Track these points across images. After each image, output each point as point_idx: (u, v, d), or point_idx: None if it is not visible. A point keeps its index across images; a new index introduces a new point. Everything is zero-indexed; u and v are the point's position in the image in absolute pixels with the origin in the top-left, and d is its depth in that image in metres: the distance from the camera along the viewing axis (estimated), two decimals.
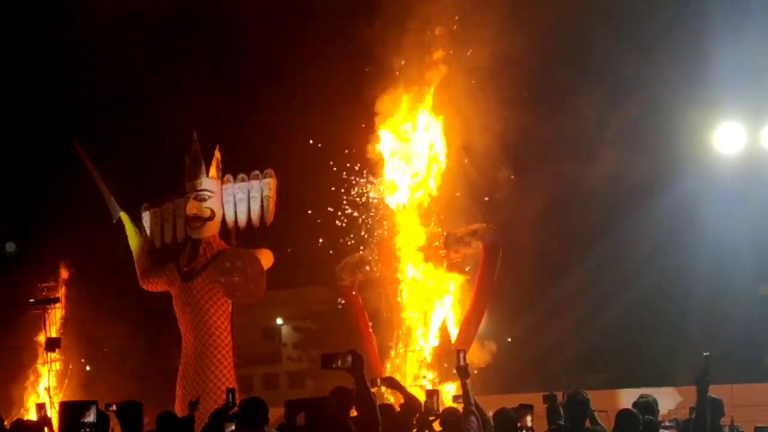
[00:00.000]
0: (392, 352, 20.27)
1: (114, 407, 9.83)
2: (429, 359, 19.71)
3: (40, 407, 14.40)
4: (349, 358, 7.53)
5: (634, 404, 9.90)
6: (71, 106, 30.88)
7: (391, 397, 16.49)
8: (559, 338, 25.21)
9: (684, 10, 26.92)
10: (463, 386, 10.60)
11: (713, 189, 25.47)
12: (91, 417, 6.31)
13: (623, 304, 28.59)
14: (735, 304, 28.78)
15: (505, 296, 21.06)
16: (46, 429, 9.66)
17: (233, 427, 9.45)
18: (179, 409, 20.15)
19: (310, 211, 24.00)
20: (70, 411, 6.39)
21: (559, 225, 25.53)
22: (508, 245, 20.03)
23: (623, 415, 9.27)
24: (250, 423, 8.56)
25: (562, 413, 9.90)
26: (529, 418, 9.03)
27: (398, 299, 20.49)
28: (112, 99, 29.99)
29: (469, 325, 19.76)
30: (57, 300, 24.62)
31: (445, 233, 20.27)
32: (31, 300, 24.75)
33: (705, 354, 9.34)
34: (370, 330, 21.07)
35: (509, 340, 19.76)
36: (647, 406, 9.83)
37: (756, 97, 22.50)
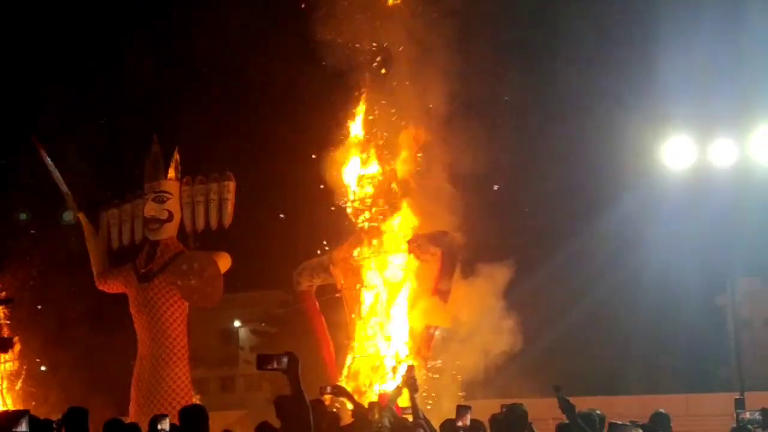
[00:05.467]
0: (348, 358, 20.29)
1: (55, 424, 9.53)
2: (385, 365, 19.73)
3: None
4: (285, 359, 7.43)
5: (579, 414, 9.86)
6: (30, 103, 30.64)
7: (349, 404, 16.47)
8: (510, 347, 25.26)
9: (632, 23, 27.13)
10: (412, 400, 10.66)
11: (661, 203, 25.64)
12: (22, 426, 6.17)
13: (572, 318, 28.76)
14: (684, 316, 29.04)
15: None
16: None
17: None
18: (133, 412, 20.06)
19: (282, 215, 23.88)
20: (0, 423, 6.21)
21: (505, 242, 25.58)
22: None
23: (562, 428, 9.37)
24: None
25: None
26: (468, 417, 9.16)
27: (356, 304, 20.51)
28: (73, 96, 29.75)
29: (428, 329, 19.86)
30: (11, 300, 24.33)
31: (408, 238, 20.34)
32: None
33: (556, 386, 9.41)
34: (327, 335, 21.08)
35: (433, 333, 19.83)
36: (588, 420, 9.77)
37: (704, 111, 22.68)
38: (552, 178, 27.40)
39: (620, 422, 8.97)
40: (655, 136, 22.25)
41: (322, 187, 21.54)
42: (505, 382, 22.77)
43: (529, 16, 26.23)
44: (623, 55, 27.69)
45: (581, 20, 28.36)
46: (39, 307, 26.96)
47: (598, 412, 10.31)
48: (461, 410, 9.57)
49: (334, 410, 11.71)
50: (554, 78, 27.63)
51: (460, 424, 9.39)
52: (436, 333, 20.11)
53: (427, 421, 10.32)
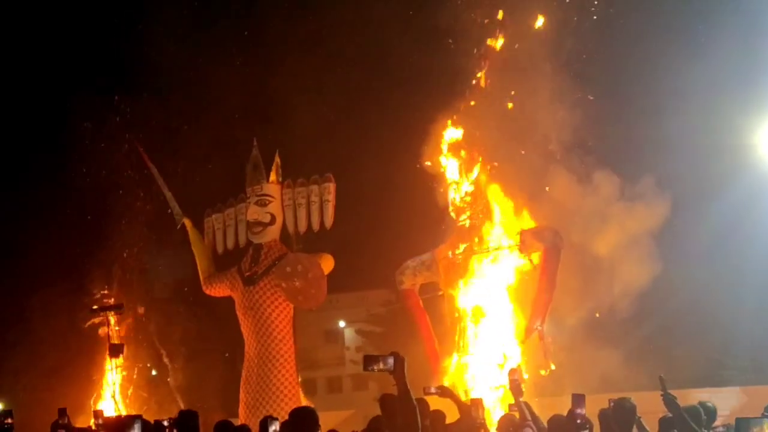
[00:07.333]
0: (453, 356, 20.21)
1: (166, 422, 9.71)
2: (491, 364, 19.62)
3: (97, 414, 14.48)
4: (390, 360, 7.49)
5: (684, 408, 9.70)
6: (135, 113, 31.15)
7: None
8: (611, 339, 24.88)
9: (736, 10, 26.51)
10: (518, 403, 10.59)
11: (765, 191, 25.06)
12: (136, 431, 6.29)
13: (670, 310, 28.31)
14: None
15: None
16: None
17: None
18: (243, 414, 20.31)
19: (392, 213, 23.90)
20: (114, 428, 6.37)
21: None
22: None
23: (665, 422, 9.27)
24: None
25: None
26: (584, 405, 9.14)
27: (460, 302, 20.43)
28: (177, 106, 30.15)
29: (532, 324, 19.71)
30: (120, 307, 24.72)
31: (511, 235, 20.22)
32: (94, 307, 24.89)
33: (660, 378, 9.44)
34: (432, 333, 21.00)
35: (538, 327, 19.58)
36: (694, 413, 9.61)
37: None
38: (651, 168, 26.98)
39: (753, 417, 8.76)
40: (759, 123, 21.80)
41: (421, 184, 21.54)
42: (606, 373, 22.49)
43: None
44: (723, 40, 27.12)
45: (686, 7, 27.96)
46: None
47: (709, 404, 10.14)
48: (577, 398, 9.49)
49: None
50: (654, 67, 27.23)
51: (581, 411, 9.32)
52: (542, 327, 19.92)
53: (537, 420, 10.25)
